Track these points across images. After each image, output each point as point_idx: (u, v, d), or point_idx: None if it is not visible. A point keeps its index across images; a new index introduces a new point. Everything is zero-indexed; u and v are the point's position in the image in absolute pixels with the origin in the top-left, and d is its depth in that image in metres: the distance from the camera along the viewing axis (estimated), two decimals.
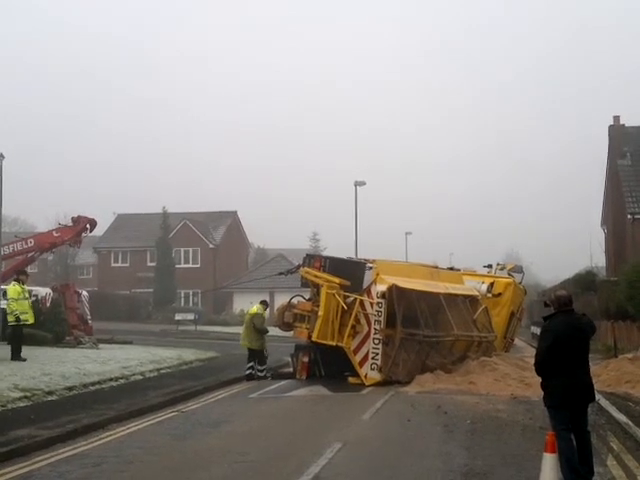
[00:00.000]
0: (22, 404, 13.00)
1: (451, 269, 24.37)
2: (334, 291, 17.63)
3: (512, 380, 17.04)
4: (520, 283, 25.51)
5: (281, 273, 22.11)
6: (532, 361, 8.39)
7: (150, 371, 18.84)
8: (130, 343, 28.82)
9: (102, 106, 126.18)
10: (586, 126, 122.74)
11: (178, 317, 47.30)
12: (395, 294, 17.62)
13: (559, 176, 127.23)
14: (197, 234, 61.52)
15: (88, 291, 33.63)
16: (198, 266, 61.49)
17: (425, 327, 18.35)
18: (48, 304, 27.08)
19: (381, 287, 17.60)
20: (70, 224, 28.14)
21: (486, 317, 21.55)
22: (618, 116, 40.28)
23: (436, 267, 23.37)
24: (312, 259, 19.39)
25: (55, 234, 28.15)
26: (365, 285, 17.84)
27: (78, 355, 21.14)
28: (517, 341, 29.56)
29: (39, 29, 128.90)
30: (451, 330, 19.15)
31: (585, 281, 34.95)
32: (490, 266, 26.29)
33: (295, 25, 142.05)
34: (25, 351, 18.94)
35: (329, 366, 18.73)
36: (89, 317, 28.96)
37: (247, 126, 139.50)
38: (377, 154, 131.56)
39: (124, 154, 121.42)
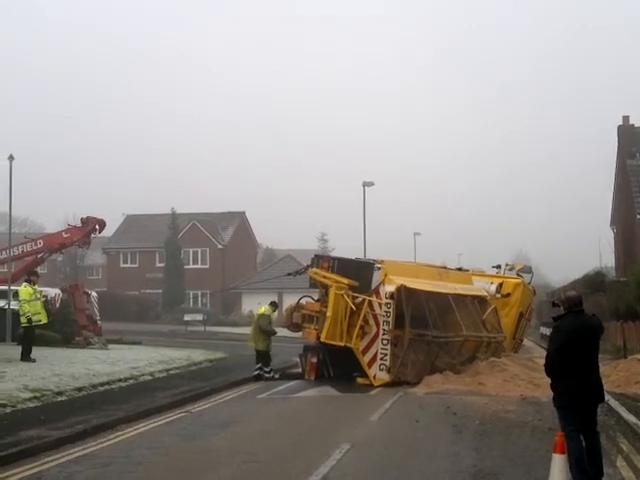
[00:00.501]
0: (32, 405, 13.04)
1: (460, 269, 24.32)
2: (343, 292, 17.62)
3: (521, 381, 16.99)
4: (529, 283, 25.46)
5: (289, 274, 22.13)
6: (541, 362, 8.38)
7: (159, 372, 18.87)
8: (139, 344, 28.91)
9: (102, 106, 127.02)
10: (591, 126, 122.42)
11: (187, 318, 47.28)
12: (404, 295, 17.59)
13: (567, 177, 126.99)
14: (205, 235, 61.54)
15: (97, 292, 33.68)
16: (207, 267, 61.51)
17: (434, 328, 18.29)
18: (57, 305, 27.17)
19: (390, 288, 17.57)
20: (79, 225, 28.26)
21: (495, 317, 21.50)
22: (627, 116, 40.22)
23: (445, 267, 23.36)
24: (320, 260, 19.40)
25: (64, 235, 28.26)
26: (374, 286, 17.81)
27: (87, 356, 21.23)
28: (526, 341, 29.46)
29: (39, 29, 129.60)
30: (460, 331, 19.10)
31: (594, 281, 34.78)
32: (499, 266, 26.25)
33: (295, 25, 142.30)
34: (34, 352, 19.02)
35: (337, 367, 18.71)
36: (98, 318, 29.01)
37: (247, 125, 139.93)
38: (384, 155, 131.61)
39: (124, 154, 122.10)
